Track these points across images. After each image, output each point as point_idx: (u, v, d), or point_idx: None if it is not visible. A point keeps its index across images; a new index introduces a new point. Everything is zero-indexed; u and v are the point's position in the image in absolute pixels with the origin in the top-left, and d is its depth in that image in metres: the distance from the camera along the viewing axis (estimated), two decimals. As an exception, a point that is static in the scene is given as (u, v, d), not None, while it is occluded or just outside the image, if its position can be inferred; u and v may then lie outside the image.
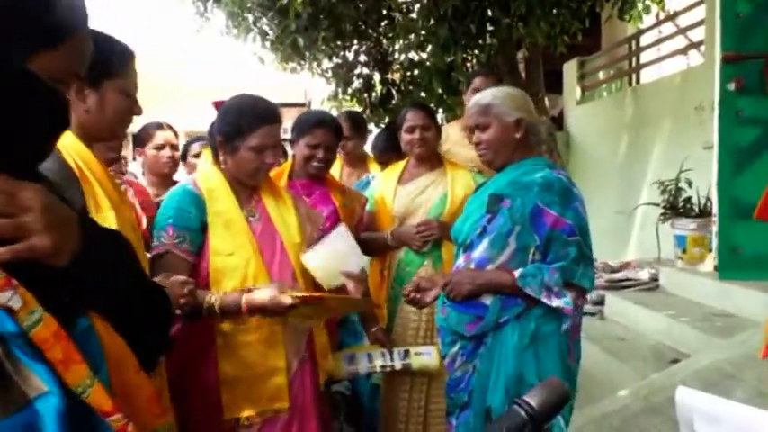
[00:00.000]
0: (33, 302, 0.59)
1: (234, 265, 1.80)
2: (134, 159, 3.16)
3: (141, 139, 2.89)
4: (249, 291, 1.73)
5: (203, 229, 1.83)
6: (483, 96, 2.06)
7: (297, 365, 1.88)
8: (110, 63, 1.46)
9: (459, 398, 2.00)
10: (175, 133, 2.96)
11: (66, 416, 0.60)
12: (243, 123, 1.86)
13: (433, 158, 2.78)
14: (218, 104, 1.98)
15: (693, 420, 0.96)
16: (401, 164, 2.88)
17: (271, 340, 1.82)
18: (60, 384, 0.60)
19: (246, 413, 1.78)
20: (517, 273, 1.87)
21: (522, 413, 0.66)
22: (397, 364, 2.34)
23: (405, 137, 2.75)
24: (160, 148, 2.84)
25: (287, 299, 1.69)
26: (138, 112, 1.56)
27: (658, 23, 7.15)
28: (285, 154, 3.48)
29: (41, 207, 0.69)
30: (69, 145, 1.42)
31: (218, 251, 1.81)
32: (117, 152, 2.42)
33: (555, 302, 1.86)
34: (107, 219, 1.40)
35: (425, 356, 2.37)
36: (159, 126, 2.89)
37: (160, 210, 1.89)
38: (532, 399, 0.68)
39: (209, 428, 1.79)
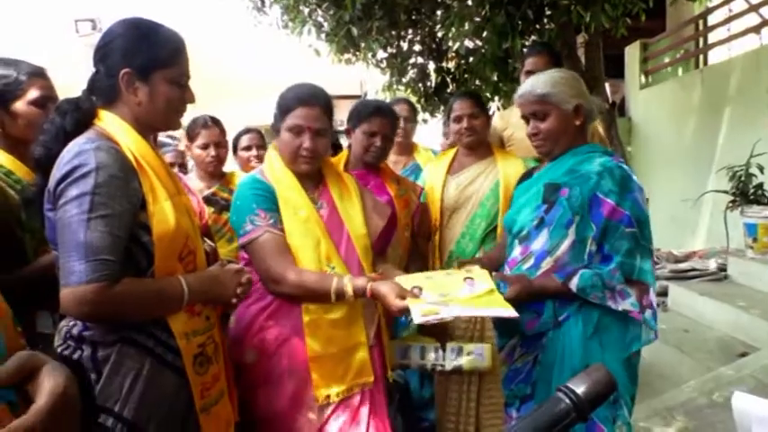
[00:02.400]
0: None
1: (306, 247, 1.84)
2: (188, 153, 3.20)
3: (189, 135, 2.94)
4: (375, 279, 1.76)
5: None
6: (538, 84, 1.96)
7: (369, 345, 1.92)
8: (158, 54, 1.49)
9: (519, 390, 1.97)
10: (222, 130, 2.96)
11: None
12: (283, 105, 1.92)
13: (482, 147, 2.73)
14: None
15: (752, 427, 0.92)
16: (450, 153, 2.83)
17: (352, 317, 1.87)
18: None
19: (336, 389, 1.82)
20: (573, 286, 1.80)
21: (567, 401, 0.64)
22: (448, 365, 2.29)
23: (453, 126, 2.72)
24: (204, 147, 2.87)
25: (399, 304, 1.67)
26: (191, 100, 1.58)
27: (728, 1, 6.79)
28: (338, 147, 3.50)
29: None
30: (126, 138, 1.46)
31: (289, 234, 1.85)
32: None
33: (621, 305, 1.81)
34: (164, 209, 1.45)
35: (477, 357, 2.33)
36: (204, 124, 2.89)
37: (238, 200, 1.92)
38: (577, 386, 0.65)
39: (299, 407, 1.82)
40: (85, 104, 1.50)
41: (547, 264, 1.90)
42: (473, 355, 2.31)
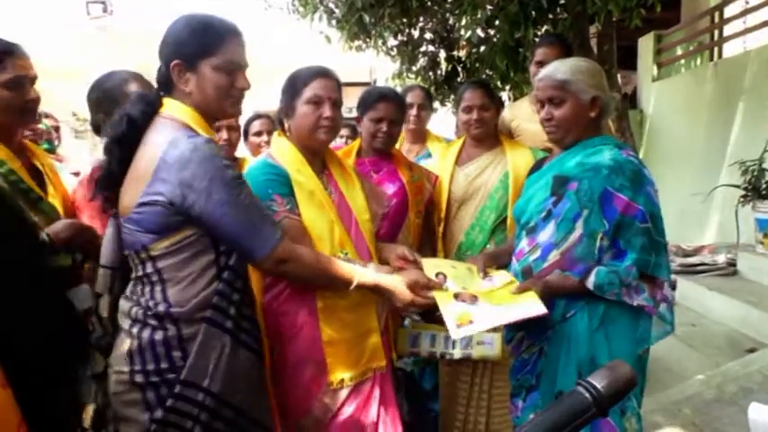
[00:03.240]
0: None
1: (319, 233, 1.83)
2: None
3: None
4: (398, 269, 1.77)
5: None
6: (558, 69, 1.93)
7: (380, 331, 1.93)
8: (201, 43, 1.54)
9: (525, 380, 1.97)
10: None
11: None
12: (298, 81, 1.93)
13: (490, 138, 2.69)
14: None
15: None
16: (458, 143, 2.80)
17: (365, 303, 1.87)
18: None
19: (350, 374, 1.83)
20: (591, 284, 1.80)
21: (587, 395, 0.63)
22: (457, 354, 2.30)
23: (462, 116, 2.67)
24: (217, 130, 2.81)
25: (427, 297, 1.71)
26: (244, 85, 1.60)
27: (745, -7, 6.70)
28: (354, 133, 3.48)
29: None
30: (196, 125, 1.52)
31: (305, 219, 1.83)
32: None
33: (636, 301, 1.80)
34: None
35: (487, 346, 2.33)
36: None
37: (250, 185, 1.88)
38: (598, 381, 0.65)
39: (315, 392, 1.83)
40: (150, 96, 1.58)
41: (553, 256, 1.89)
42: (483, 344, 2.31)
